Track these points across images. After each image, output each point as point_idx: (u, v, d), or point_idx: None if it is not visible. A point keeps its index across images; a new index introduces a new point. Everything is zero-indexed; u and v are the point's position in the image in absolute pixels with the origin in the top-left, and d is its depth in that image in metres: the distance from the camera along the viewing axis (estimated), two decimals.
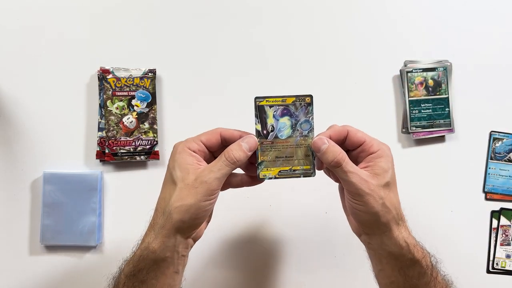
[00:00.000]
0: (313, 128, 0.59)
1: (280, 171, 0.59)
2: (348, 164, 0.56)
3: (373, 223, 0.57)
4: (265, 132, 0.58)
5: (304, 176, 0.59)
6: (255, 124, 0.58)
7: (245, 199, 0.87)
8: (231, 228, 0.87)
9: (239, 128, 0.88)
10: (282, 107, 0.58)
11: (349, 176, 0.55)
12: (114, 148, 0.84)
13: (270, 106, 0.58)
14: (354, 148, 0.60)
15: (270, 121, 0.58)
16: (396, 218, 0.58)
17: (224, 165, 0.56)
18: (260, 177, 0.58)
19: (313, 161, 0.59)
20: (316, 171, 0.61)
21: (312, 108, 0.59)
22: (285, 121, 0.58)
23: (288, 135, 0.58)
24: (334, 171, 0.56)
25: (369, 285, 0.88)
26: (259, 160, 0.58)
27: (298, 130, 0.58)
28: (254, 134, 0.59)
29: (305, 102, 0.58)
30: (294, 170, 0.59)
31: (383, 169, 0.57)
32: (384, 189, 0.57)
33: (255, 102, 0.58)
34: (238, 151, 0.56)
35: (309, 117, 0.58)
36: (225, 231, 0.87)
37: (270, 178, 0.59)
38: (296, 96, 0.58)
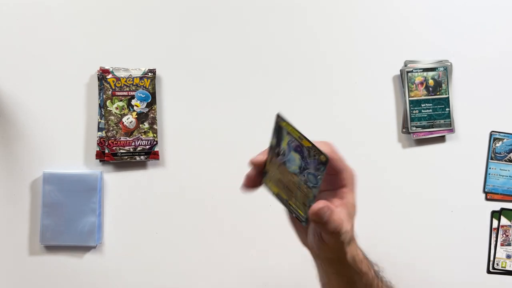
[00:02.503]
0: (318, 187, 0.49)
1: (278, 194, 0.54)
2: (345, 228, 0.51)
3: (334, 257, 0.54)
4: (277, 151, 0.52)
5: (295, 217, 0.52)
6: (271, 137, 0.52)
7: (245, 199, 0.86)
8: (231, 228, 0.87)
9: (242, 126, 0.88)
10: (297, 143, 0.50)
11: (340, 237, 0.50)
12: (114, 148, 0.84)
13: (288, 133, 0.51)
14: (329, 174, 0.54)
15: (284, 145, 0.51)
16: (353, 238, 0.55)
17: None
18: (263, 183, 0.54)
19: (308, 212, 0.51)
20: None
21: (324, 170, 0.49)
22: (296, 158, 0.51)
23: (294, 170, 0.51)
24: (328, 237, 0.51)
25: None
26: (266, 170, 0.53)
27: (304, 176, 0.50)
28: (269, 145, 0.53)
29: (319, 159, 0.49)
30: (289, 204, 0.53)
31: (353, 205, 0.53)
32: (352, 221, 0.53)
33: (277, 118, 0.51)
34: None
35: (319, 176, 0.49)
36: (225, 231, 0.87)
37: (270, 190, 0.54)
38: (313, 146, 0.49)
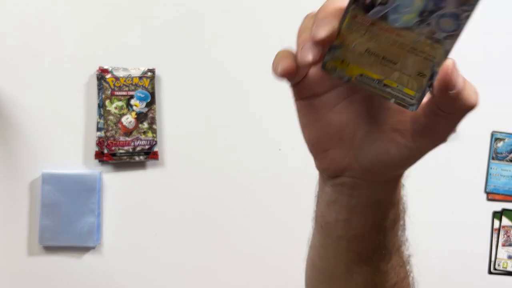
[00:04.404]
0: (459, 34, 0.31)
1: (361, 75, 0.34)
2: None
3: (395, 172, 0.38)
4: (369, 0, 0.31)
5: (395, 102, 0.34)
6: None
7: (244, 199, 0.86)
8: (230, 228, 0.87)
9: (241, 126, 0.88)
10: None
11: (454, 124, 0.33)
12: (113, 148, 0.84)
13: None
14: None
15: None
16: None
17: None
18: (327, 67, 0.34)
19: (426, 87, 0.34)
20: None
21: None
22: None
23: (407, 23, 0.31)
24: (447, 116, 0.33)
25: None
26: (337, 42, 0.33)
27: (430, 24, 0.31)
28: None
29: None
30: (385, 85, 0.34)
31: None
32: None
33: None
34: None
35: (465, 10, 0.31)
36: (224, 231, 0.87)
37: (341, 78, 0.34)
38: None
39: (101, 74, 0.84)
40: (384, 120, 0.35)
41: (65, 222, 0.83)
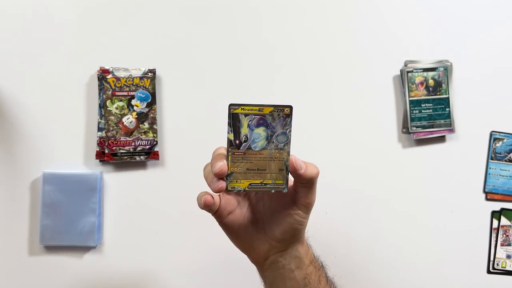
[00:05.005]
0: (289, 141, 0.54)
1: (250, 184, 0.55)
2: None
3: (300, 232, 0.59)
4: (237, 142, 0.54)
5: (275, 191, 0.55)
6: (228, 133, 0.54)
7: None
8: None
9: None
10: (258, 116, 0.54)
11: (314, 189, 0.57)
12: (114, 148, 0.84)
13: (246, 115, 0.53)
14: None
15: (244, 130, 0.54)
16: None
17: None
18: (229, 189, 0.55)
19: (287, 176, 0.55)
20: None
21: (291, 120, 0.54)
22: (260, 131, 0.54)
23: (262, 146, 0.54)
24: (305, 185, 0.57)
25: (369, 285, 0.88)
26: (229, 171, 0.54)
27: (273, 142, 0.54)
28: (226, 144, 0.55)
29: (284, 113, 0.54)
30: (265, 184, 0.55)
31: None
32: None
33: (229, 109, 0.53)
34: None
35: (287, 129, 0.54)
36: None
37: (239, 191, 0.55)
38: (275, 106, 0.54)
39: (102, 75, 0.85)
40: (276, 208, 0.58)
41: (66, 222, 0.83)
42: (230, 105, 0.53)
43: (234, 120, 0.53)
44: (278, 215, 0.58)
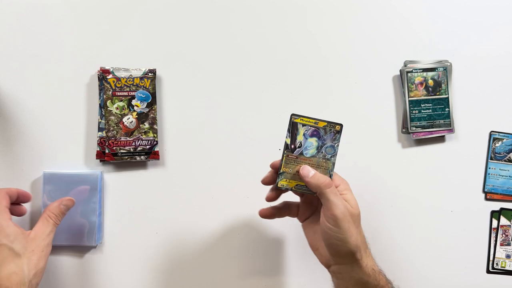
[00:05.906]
0: (336, 154, 0.63)
1: (297, 185, 0.63)
2: (335, 190, 0.62)
3: (347, 252, 0.61)
4: (292, 146, 0.63)
5: (316, 195, 0.62)
6: (286, 137, 0.63)
7: (244, 199, 0.87)
8: (230, 229, 0.87)
9: (242, 126, 0.88)
10: (313, 128, 0.62)
11: (337, 198, 0.60)
12: (114, 148, 0.84)
13: (303, 125, 0.62)
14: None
15: (300, 138, 0.62)
16: (365, 246, 0.64)
17: (53, 227, 0.73)
18: (278, 186, 0.63)
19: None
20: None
21: (340, 136, 0.63)
22: (313, 141, 0.63)
23: (312, 154, 0.63)
24: (323, 193, 0.61)
25: None
26: (281, 170, 0.63)
27: (322, 152, 0.62)
28: (283, 146, 0.63)
29: (335, 129, 0.63)
30: (308, 188, 0.63)
31: (354, 200, 0.63)
32: (358, 219, 0.63)
33: (291, 118, 0.62)
34: (58, 211, 0.74)
35: (336, 143, 0.63)
36: (224, 231, 0.87)
37: (287, 189, 0.64)
38: (328, 122, 0.63)
39: (102, 75, 0.85)
40: (319, 221, 0.64)
41: (66, 222, 0.83)
42: (292, 114, 0.63)
43: (293, 128, 0.62)
44: (320, 228, 0.63)
